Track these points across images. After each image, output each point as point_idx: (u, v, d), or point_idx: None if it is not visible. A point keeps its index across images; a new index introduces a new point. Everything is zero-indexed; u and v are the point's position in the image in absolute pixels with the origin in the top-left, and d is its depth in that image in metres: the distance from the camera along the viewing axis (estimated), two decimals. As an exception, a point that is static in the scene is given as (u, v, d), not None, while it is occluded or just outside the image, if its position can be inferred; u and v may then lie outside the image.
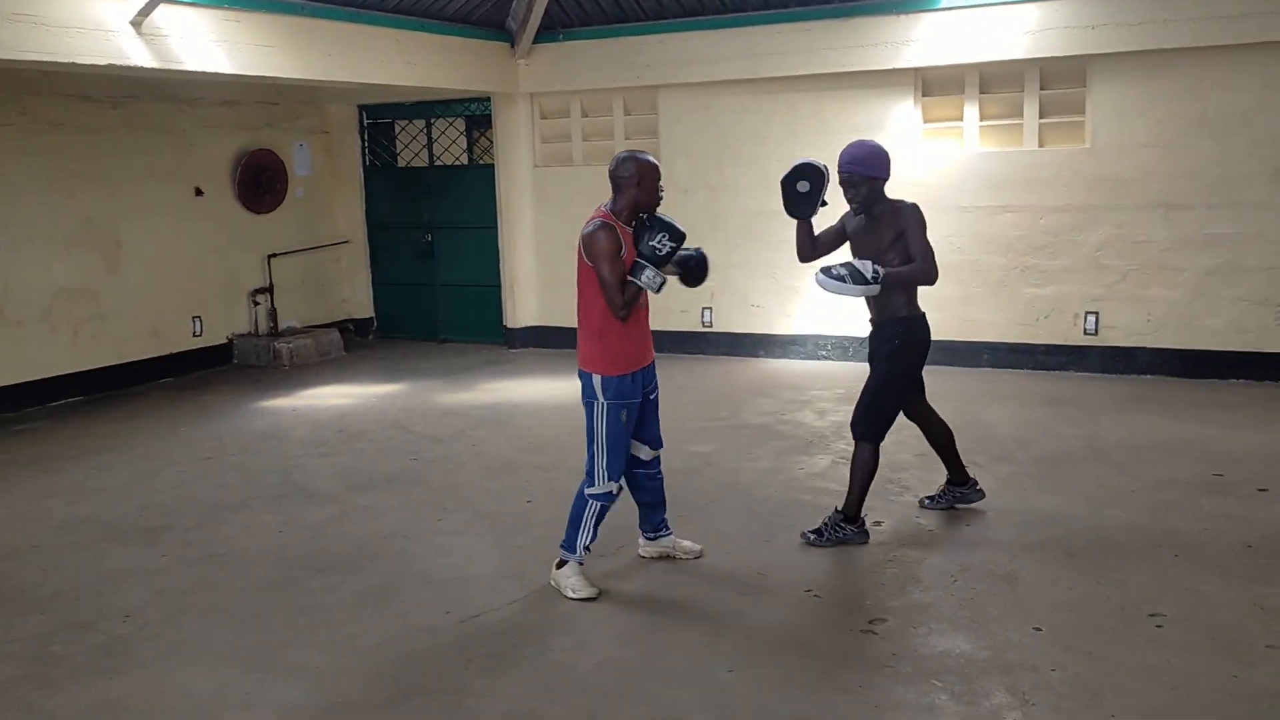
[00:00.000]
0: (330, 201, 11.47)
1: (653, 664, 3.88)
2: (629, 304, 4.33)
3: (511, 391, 8.73)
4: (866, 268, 4.72)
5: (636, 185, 4.36)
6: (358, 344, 11.15)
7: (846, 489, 5.01)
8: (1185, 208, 8.13)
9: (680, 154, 9.90)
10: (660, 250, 4.31)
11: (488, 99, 10.51)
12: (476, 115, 10.90)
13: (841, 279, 4.71)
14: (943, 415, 5.14)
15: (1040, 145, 8.59)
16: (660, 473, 4.82)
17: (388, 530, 5.42)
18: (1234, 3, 7.61)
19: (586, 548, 4.51)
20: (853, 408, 5.11)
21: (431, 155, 11.22)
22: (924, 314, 5.07)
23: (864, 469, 4.95)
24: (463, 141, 11.12)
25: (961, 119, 8.81)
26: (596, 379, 4.41)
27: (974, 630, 4.06)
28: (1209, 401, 7.50)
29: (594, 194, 10.30)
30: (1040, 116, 8.55)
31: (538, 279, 10.68)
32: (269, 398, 8.65)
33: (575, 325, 4.62)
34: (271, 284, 10.46)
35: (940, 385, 8.51)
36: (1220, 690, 3.54)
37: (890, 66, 8.76)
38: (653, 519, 4.86)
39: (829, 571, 4.70)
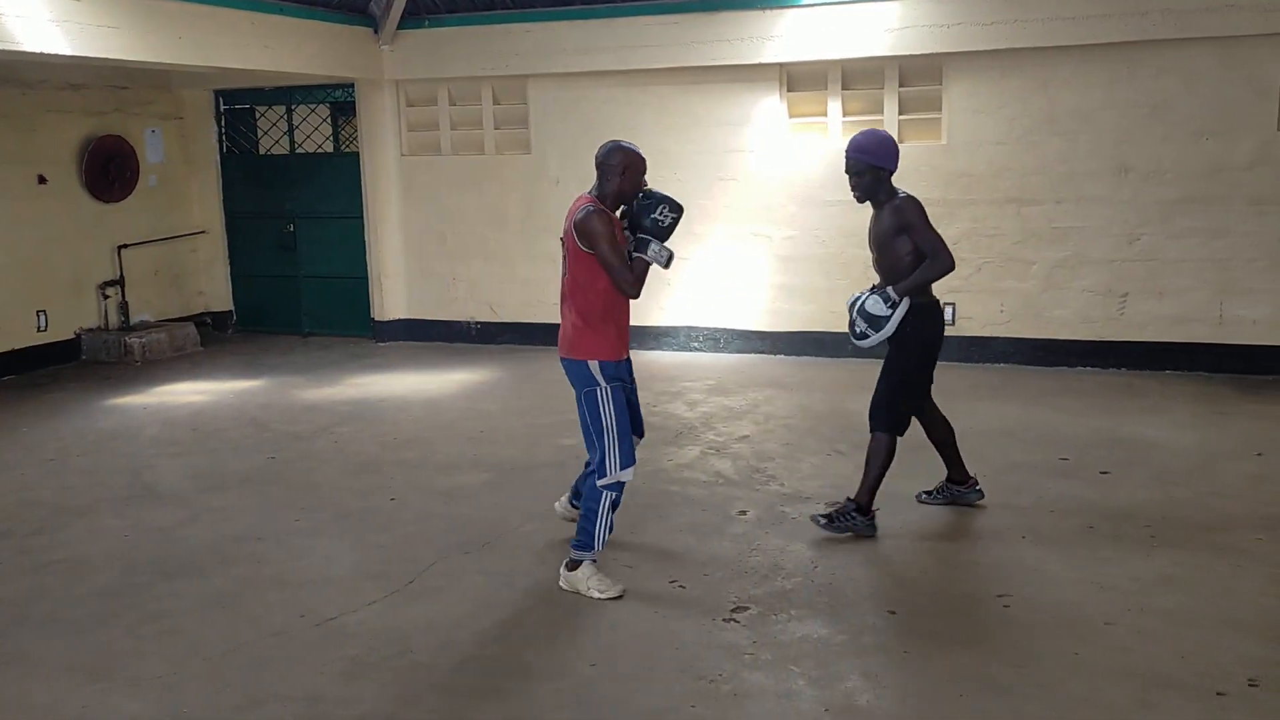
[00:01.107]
0: (185, 190, 11.01)
1: (514, 661, 3.83)
2: (640, 279, 4.29)
3: (378, 386, 8.53)
4: (879, 305, 4.81)
5: (621, 175, 4.32)
6: (216, 338, 10.75)
7: (861, 477, 4.94)
8: (1035, 202, 8.46)
9: (551, 145, 9.83)
10: (663, 223, 4.30)
11: (351, 85, 10.24)
12: (340, 102, 10.61)
13: (866, 335, 4.89)
14: (810, 404, 5.24)
15: (900, 141, 8.78)
16: None
17: (241, 532, 5.23)
18: (1079, 5, 7.94)
19: (602, 545, 4.41)
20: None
21: (293, 143, 10.88)
22: (937, 301, 5.03)
23: (879, 459, 4.89)
24: (326, 129, 10.82)
25: (826, 114, 8.98)
26: (594, 364, 4.34)
27: (832, 615, 4.14)
28: (1058, 389, 7.83)
29: (464, 184, 10.24)
30: (900, 113, 8.77)
31: (406, 271, 10.47)
32: (119, 395, 8.25)
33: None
34: (122, 276, 9.98)
35: (808, 375, 8.75)
36: (1062, 667, 3.69)
37: (755, 61, 8.86)
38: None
39: (694, 562, 4.72)
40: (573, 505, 4.94)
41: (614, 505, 4.39)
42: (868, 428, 4.98)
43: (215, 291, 11.29)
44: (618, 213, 4.39)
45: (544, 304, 10.04)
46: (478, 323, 10.31)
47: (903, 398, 4.97)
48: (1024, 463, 6.00)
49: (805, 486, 5.70)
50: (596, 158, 4.40)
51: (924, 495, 5.39)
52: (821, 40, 8.63)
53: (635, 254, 4.28)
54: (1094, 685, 3.55)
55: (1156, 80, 8.04)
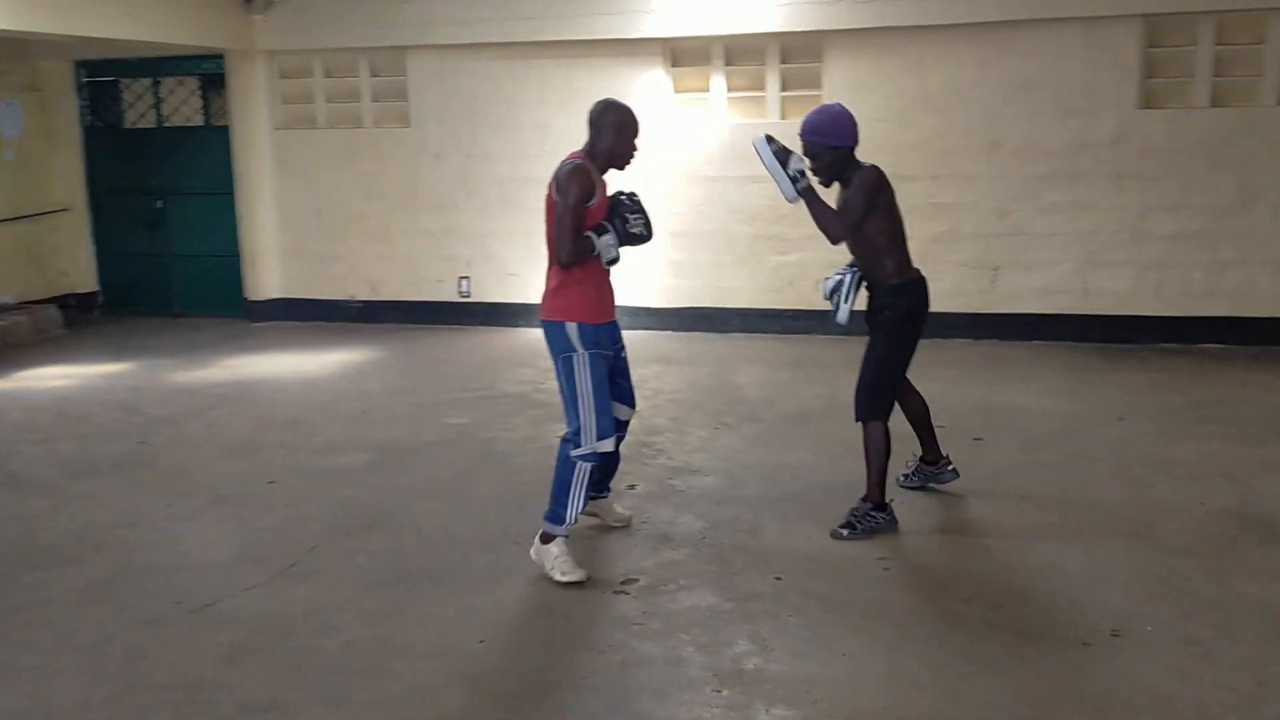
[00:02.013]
0: (45, 166, 10.48)
1: (402, 640, 3.77)
2: (576, 254, 4.07)
3: (254, 367, 8.27)
4: (799, 165, 4.45)
5: (615, 133, 4.18)
6: (81, 320, 10.26)
7: (865, 476, 4.68)
8: (913, 179, 8.63)
9: (432, 119, 9.65)
10: (632, 229, 4.17)
11: (221, 57, 9.86)
12: (210, 74, 10.21)
13: (770, 147, 4.46)
14: (697, 379, 5.22)
15: (782, 118, 8.91)
16: (625, 433, 4.67)
17: (112, 519, 5.02)
18: (951, -14, 8.15)
19: (577, 517, 4.26)
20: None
21: (160, 116, 10.44)
22: (918, 278, 4.79)
23: (877, 450, 4.64)
24: (195, 101, 10.40)
25: (710, 90, 9.03)
26: (572, 327, 4.17)
27: (720, 584, 4.19)
28: (935, 360, 7.98)
29: (340, 157, 9.97)
30: (782, 90, 8.88)
31: (281, 248, 10.17)
32: (-25, 381, 7.83)
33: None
34: (-24, 256, 9.47)
35: (695, 350, 8.82)
36: (939, 622, 3.81)
37: (637, 35, 8.85)
38: (601, 481, 4.66)
39: (583, 535, 4.70)
40: (592, 497, 4.55)
41: (590, 478, 4.25)
42: (852, 418, 4.76)
43: (79, 271, 10.78)
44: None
45: (427, 281, 9.90)
46: (358, 301, 10.09)
47: (887, 381, 4.74)
48: (903, 431, 6.11)
49: (693, 459, 5.75)
50: (590, 114, 4.24)
51: (900, 478, 5.17)
52: (704, 16, 8.66)
53: (588, 232, 4.12)
54: (969, 639, 3.68)
55: (1024, 59, 8.31)
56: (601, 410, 4.19)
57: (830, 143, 4.55)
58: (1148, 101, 8.20)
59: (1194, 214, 8.19)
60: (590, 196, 4.12)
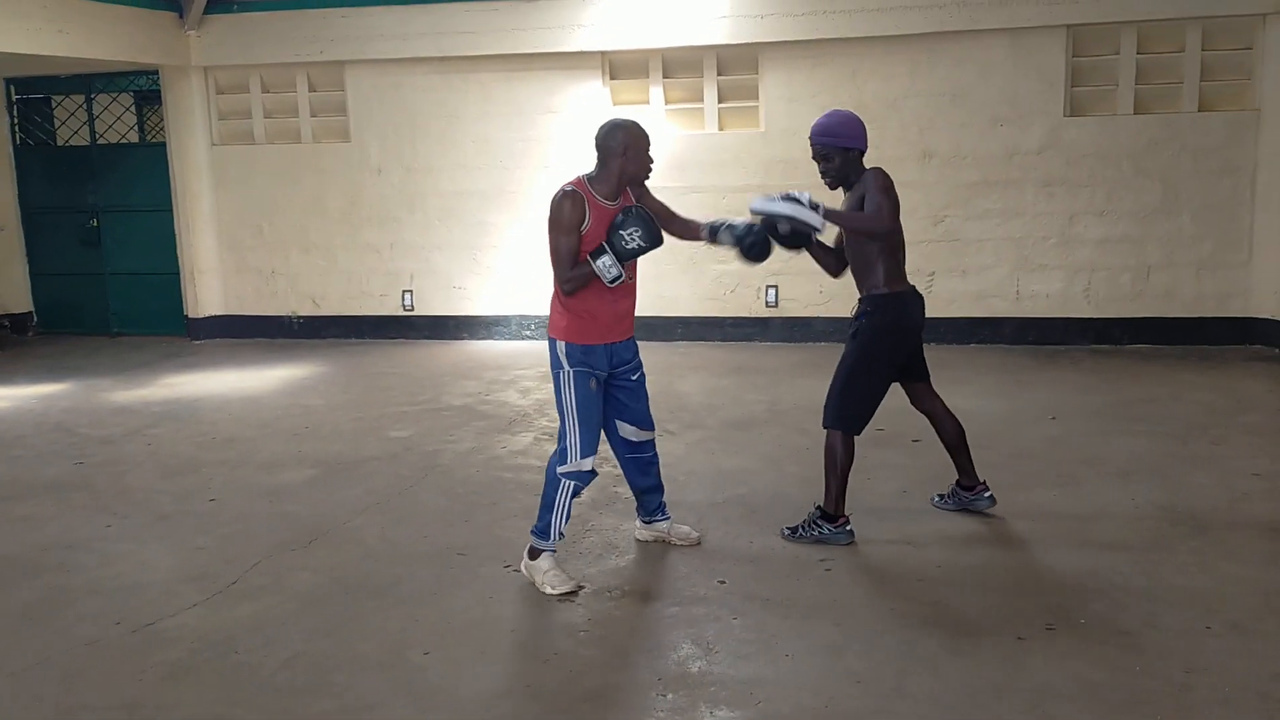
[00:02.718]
0: (-27, 184, 10.28)
1: (345, 654, 3.76)
2: (575, 280, 4.10)
3: (194, 385, 8.18)
4: (804, 197, 4.23)
5: (623, 155, 4.11)
6: (14, 342, 10.10)
7: (817, 483, 4.69)
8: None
9: (372, 133, 9.64)
10: (628, 244, 4.08)
11: (156, 73, 9.76)
12: (145, 90, 10.10)
13: (771, 198, 4.25)
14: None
15: (720, 129, 9.03)
16: (655, 455, 4.60)
17: (48, 541, 4.93)
18: (880, -1, 8.33)
19: (562, 533, 4.27)
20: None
21: (94, 133, 10.30)
22: (910, 290, 4.62)
23: (833, 461, 4.55)
24: (130, 118, 10.29)
25: (649, 102, 9.11)
26: (560, 345, 4.21)
27: (664, 589, 4.23)
28: (874, 364, 8.18)
29: (280, 173, 9.90)
30: (719, 101, 8.99)
31: (221, 265, 10.07)
32: (-97, 405, 7.65)
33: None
34: (-97, 277, 9.26)
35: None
36: (879, 620, 3.88)
37: (576, 49, 8.92)
38: (648, 504, 4.65)
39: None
40: (644, 522, 4.71)
41: (574, 494, 4.25)
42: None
43: (12, 292, 10.60)
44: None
45: (369, 296, 9.87)
46: (300, 317, 10.01)
47: (854, 392, 4.56)
48: (865, 445, 6.26)
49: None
50: (596, 139, 4.17)
51: (936, 499, 5.07)
52: (642, 29, 8.75)
53: (588, 257, 4.11)
54: (909, 637, 3.75)
55: (955, 70, 8.50)
56: (586, 428, 4.19)
57: (843, 145, 4.44)
58: (1074, 110, 8.43)
59: (1120, 218, 8.43)
60: (581, 222, 4.11)
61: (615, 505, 5.21)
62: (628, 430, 4.48)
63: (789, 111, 8.82)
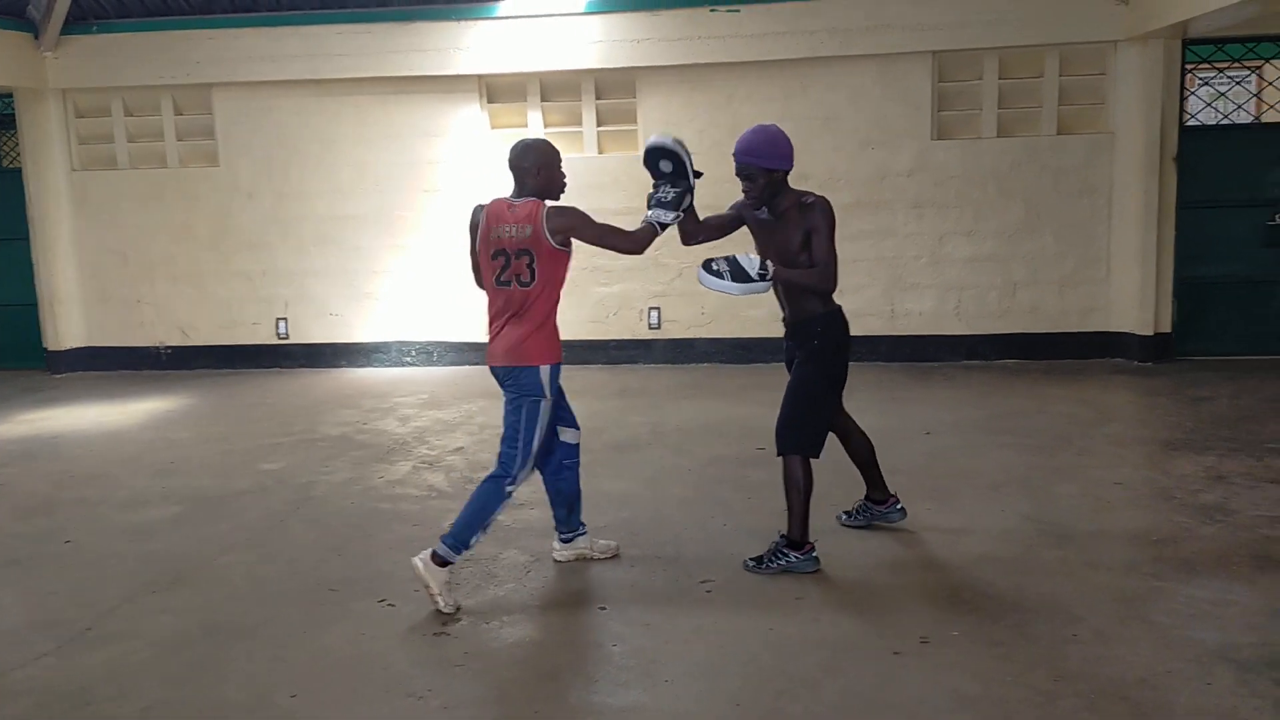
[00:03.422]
0: None
1: (206, 701, 3.58)
2: (644, 241, 4.22)
3: (53, 421, 7.79)
4: (753, 264, 4.18)
5: (537, 175, 4.21)
6: None
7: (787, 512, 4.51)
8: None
9: (242, 157, 9.37)
10: (665, 198, 4.25)
11: (10, 96, 9.32)
12: (-2, 113, 9.64)
13: (720, 275, 4.19)
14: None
15: (600, 152, 9.05)
16: (579, 460, 4.63)
17: (-118, 593, 4.60)
18: (756, 24, 8.48)
19: (470, 545, 4.26)
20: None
21: (-59, 158, 9.77)
22: (841, 308, 4.52)
23: (795, 487, 4.41)
24: (-19, 143, 9.79)
25: (527, 125, 9.07)
26: (545, 370, 4.24)
27: (545, 618, 4.16)
28: (755, 384, 8.28)
29: (146, 199, 9.54)
30: (598, 124, 9.01)
31: (83, 295, 9.64)
32: None
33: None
34: None
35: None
36: (758, 641, 3.88)
37: (453, 72, 8.84)
38: (571, 518, 4.65)
39: (404, 579, 4.60)
40: (563, 540, 4.71)
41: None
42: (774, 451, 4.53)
43: None
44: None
45: (242, 324, 9.56)
46: (168, 347, 9.65)
47: (813, 415, 4.46)
48: (724, 455, 6.31)
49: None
50: (509, 160, 4.25)
51: (843, 516, 5.06)
52: (518, 52, 8.73)
53: (645, 220, 4.25)
54: (785, 655, 3.76)
55: (826, 94, 8.69)
56: (540, 443, 4.33)
57: (768, 165, 4.33)
58: (941, 133, 8.70)
59: (987, 238, 8.72)
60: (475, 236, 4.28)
61: (495, 532, 5.10)
62: (569, 434, 4.58)
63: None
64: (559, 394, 4.44)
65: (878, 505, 4.99)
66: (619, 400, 7.89)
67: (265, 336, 9.56)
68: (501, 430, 4.39)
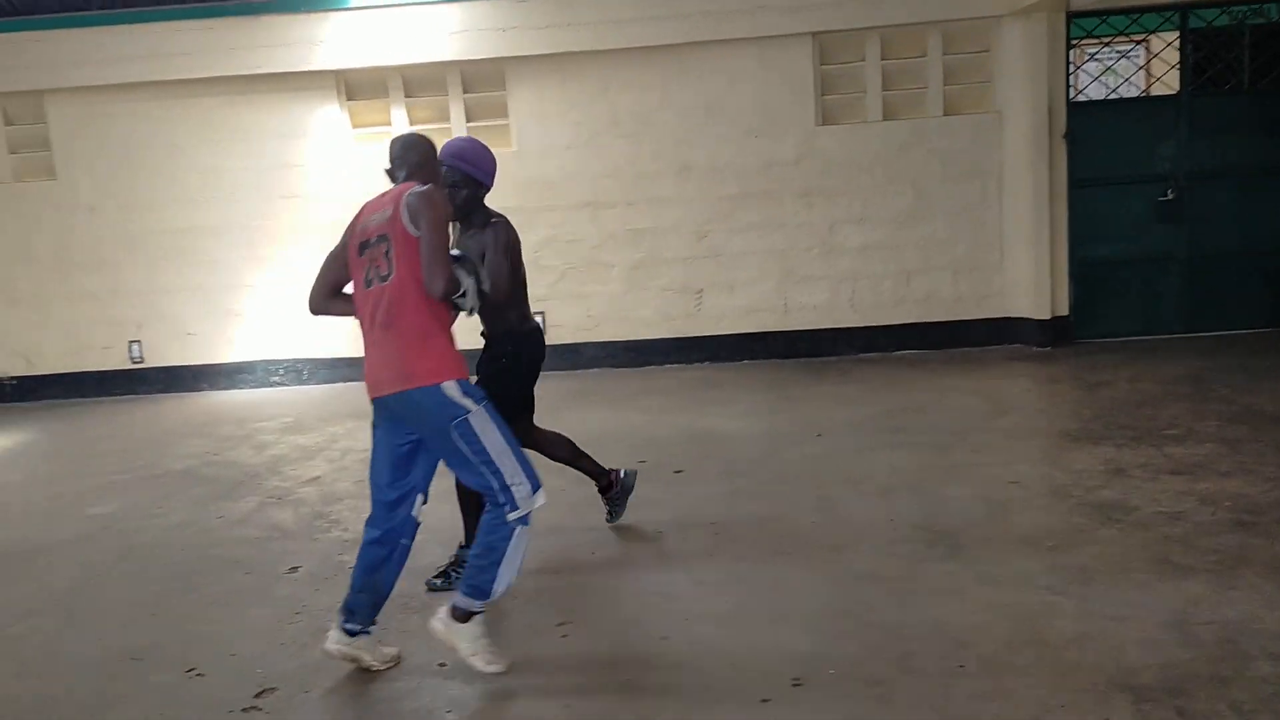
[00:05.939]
0: None
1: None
2: (449, 294, 3.47)
3: None
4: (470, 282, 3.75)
5: (420, 170, 3.67)
6: None
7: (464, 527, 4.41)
8: (609, 206, 8.47)
9: (81, 168, 8.65)
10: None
11: None
12: None
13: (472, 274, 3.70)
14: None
15: (470, 149, 8.50)
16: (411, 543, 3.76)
17: None
18: (628, 9, 8.02)
19: (509, 587, 3.54)
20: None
21: None
22: (539, 327, 4.50)
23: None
24: None
25: (391, 123, 8.51)
26: (452, 386, 3.41)
27: (374, 685, 3.64)
28: (645, 389, 7.84)
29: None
30: (467, 120, 8.49)
31: (-90, 325, 8.81)
32: None
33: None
34: None
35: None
36: (612, 694, 3.42)
37: (306, 68, 8.25)
38: (372, 613, 3.70)
39: (221, 640, 4.05)
40: (347, 631, 3.66)
41: (527, 540, 3.54)
42: None
43: None
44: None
45: (91, 349, 8.85)
46: (11, 378, 8.88)
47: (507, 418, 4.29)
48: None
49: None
50: (391, 155, 3.72)
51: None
52: (377, 45, 8.16)
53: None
54: (645, 711, 3.31)
55: (706, 81, 8.29)
56: (520, 456, 3.50)
57: (475, 176, 4.21)
58: (826, 118, 8.36)
59: (877, 225, 8.39)
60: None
61: (339, 578, 4.57)
62: (420, 505, 3.76)
63: (542, 129, 8.41)
64: (463, 421, 3.46)
65: (607, 492, 4.88)
66: (497, 414, 7.38)
67: (118, 361, 8.84)
68: (390, 461, 3.65)
